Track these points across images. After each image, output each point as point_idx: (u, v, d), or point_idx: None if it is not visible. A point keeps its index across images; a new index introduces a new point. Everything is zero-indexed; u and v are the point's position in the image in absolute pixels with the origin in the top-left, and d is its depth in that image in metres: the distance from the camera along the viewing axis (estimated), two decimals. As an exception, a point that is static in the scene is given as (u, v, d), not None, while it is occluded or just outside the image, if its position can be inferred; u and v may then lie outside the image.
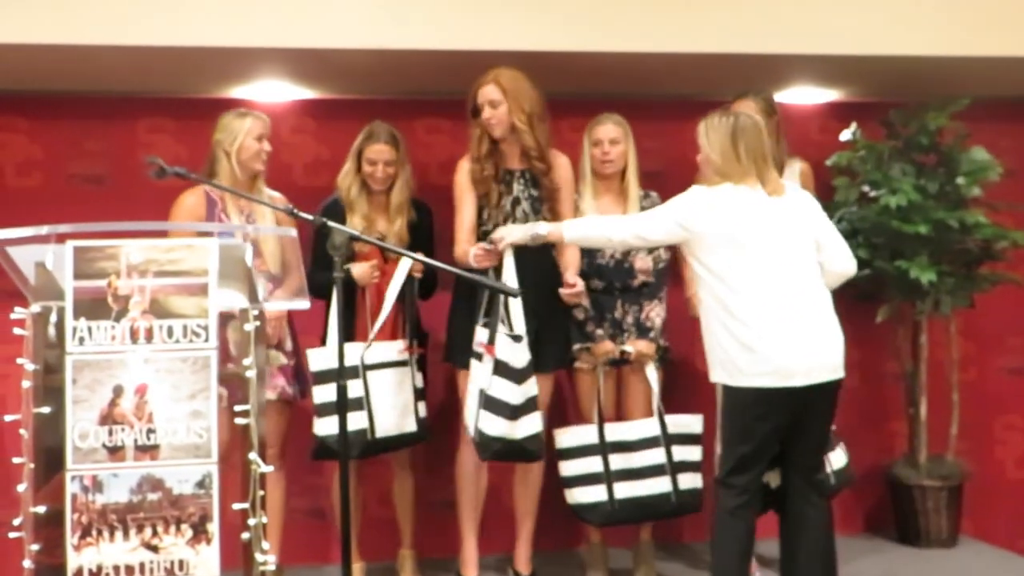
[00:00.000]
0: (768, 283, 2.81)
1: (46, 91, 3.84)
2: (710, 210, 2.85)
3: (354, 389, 3.21)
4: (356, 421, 3.25)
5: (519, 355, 3.15)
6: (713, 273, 2.85)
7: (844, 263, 2.99)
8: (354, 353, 3.25)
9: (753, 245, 2.82)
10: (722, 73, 3.82)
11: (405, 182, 3.48)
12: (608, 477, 3.39)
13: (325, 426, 3.26)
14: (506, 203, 3.39)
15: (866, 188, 3.96)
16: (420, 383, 3.45)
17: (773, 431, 2.85)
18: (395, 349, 3.38)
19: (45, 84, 3.77)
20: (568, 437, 3.44)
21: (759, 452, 2.87)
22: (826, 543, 2.97)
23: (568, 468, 3.41)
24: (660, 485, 3.41)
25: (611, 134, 3.54)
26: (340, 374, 2.43)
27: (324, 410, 3.27)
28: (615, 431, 3.44)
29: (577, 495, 3.40)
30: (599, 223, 3.15)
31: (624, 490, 3.39)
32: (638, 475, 3.41)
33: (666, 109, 4.18)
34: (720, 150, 2.89)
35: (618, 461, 3.41)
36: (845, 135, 4.05)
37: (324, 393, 3.28)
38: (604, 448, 3.39)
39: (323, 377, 3.28)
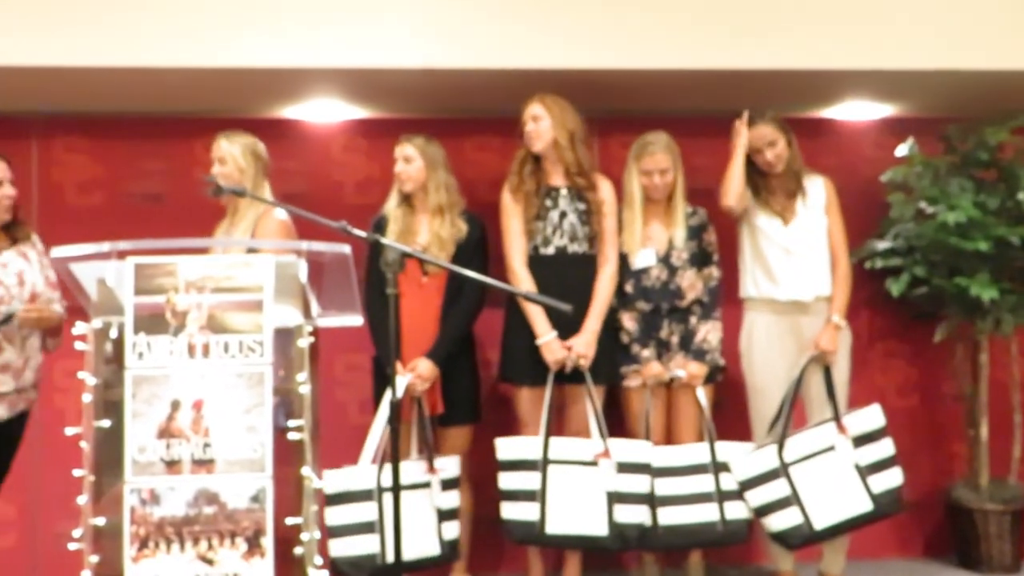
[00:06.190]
0: None
1: (107, 112, 3.94)
2: None
3: (369, 512, 3.14)
4: (368, 545, 3.13)
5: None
6: None
7: None
8: (370, 476, 3.16)
9: None
10: (775, 89, 3.78)
11: (436, 186, 3.43)
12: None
13: (339, 547, 3.14)
14: (553, 215, 3.41)
15: (923, 204, 3.89)
16: (449, 503, 3.30)
17: None
18: (420, 470, 3.26)
19: (106, 105, 3.86)
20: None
21: None
22: None
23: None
24: (706, 513, 3.32)
25: (661, 164, 3.46)
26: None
27: (339, 531, 3.15)
28: (663, 456, 3.36)
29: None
30: None
31: (669, 516, 3.31)
32: (685, 501, 3.33)
33: (717, 126, 4.13)
34: None
35: (665, 486, 3.33)
36: (901, 150, 3.98)
37: (339, 514, 3.15)
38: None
39: (338, 499, 3.16)
